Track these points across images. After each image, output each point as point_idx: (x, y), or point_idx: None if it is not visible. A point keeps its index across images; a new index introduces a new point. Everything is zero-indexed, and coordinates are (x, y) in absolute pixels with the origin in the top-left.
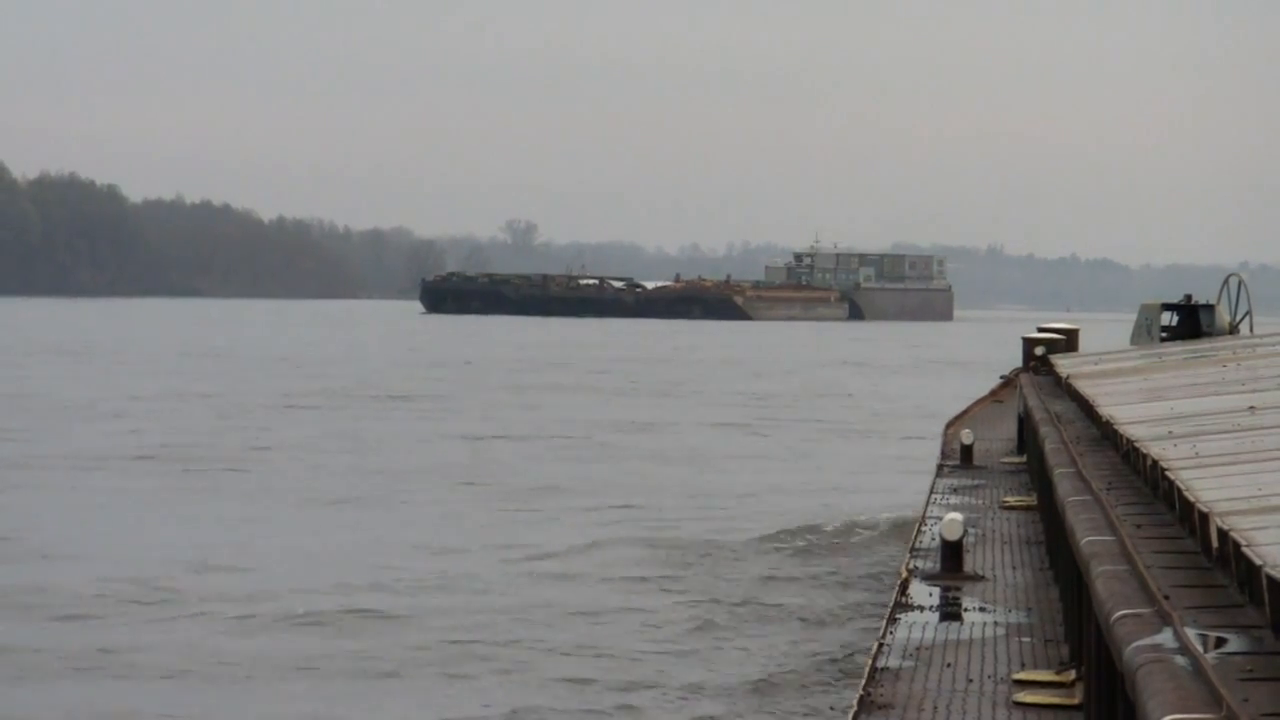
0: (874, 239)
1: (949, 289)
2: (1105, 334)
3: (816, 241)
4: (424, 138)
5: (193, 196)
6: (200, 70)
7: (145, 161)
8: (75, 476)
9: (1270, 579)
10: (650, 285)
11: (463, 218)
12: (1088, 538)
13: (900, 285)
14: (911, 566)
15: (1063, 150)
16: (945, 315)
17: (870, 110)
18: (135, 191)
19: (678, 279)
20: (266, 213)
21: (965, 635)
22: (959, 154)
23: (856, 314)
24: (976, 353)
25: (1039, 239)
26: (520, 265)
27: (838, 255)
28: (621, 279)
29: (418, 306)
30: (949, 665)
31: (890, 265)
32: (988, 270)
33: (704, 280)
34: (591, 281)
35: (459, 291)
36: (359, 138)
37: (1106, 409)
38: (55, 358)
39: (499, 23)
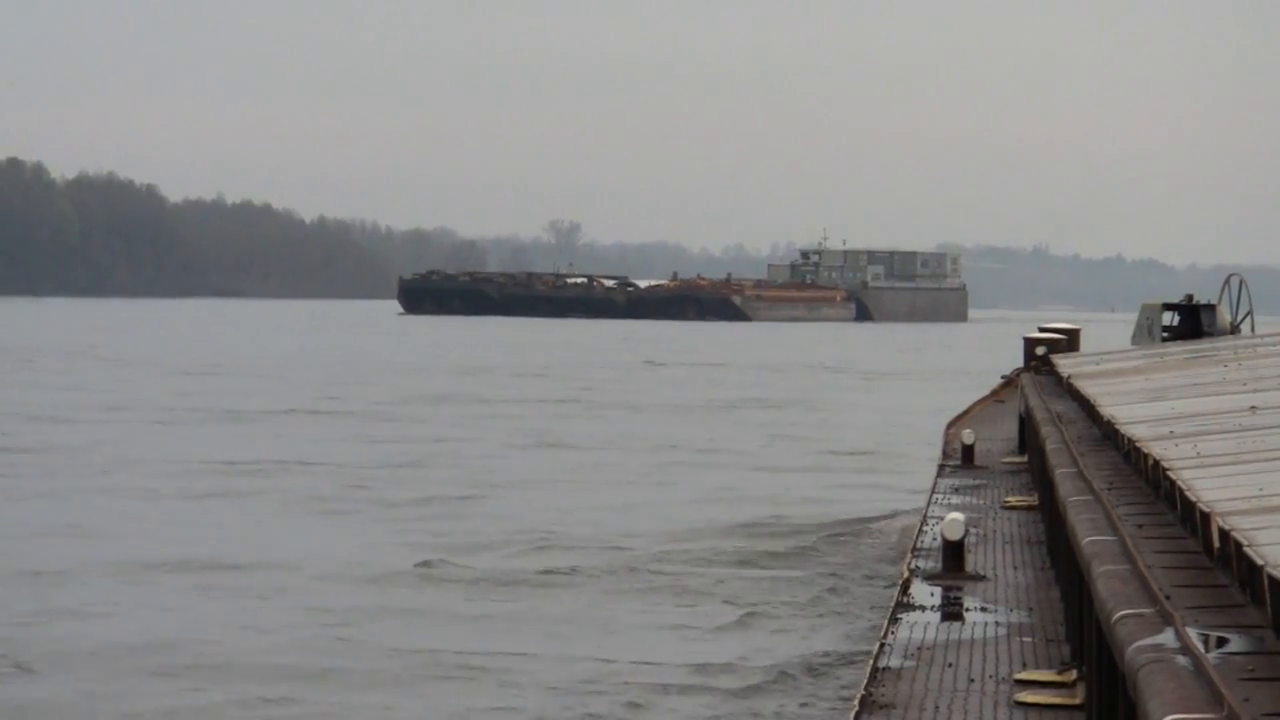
0: (919, 239)
1: (963, 288)
2: (1108, 334)
3: (824, 238)
4: (470, 139)
5: (233, 196)
6: (242, 70)
7: (185, 161)
8: None
9: (1272, 579)
10: (644, 284)
11: (507, 218)
12: (1089, 538)
13: (911, 284)
14: (913, 566)
15: (1110, 151)
16: (959, 316)
17: (916, 111)
18: (175, 191)
19: (674, 277)
20: (308, 213)
21: (967, 635)
22: (1005, 155)
23: (864, 315)
24: (968, 361)
25: (1085, 239)
26: (563, 266)
27: (845, 252)
28: (614, 278)
29: (396, 306)
30: (950, 665)
31: (901, 263)
32: (1033, 271)
33: (701, 279)
34: (580, 280)
35: (439, 291)
36: (403, 138)
37: (1108, 409)
38: None
39: (547, 23)
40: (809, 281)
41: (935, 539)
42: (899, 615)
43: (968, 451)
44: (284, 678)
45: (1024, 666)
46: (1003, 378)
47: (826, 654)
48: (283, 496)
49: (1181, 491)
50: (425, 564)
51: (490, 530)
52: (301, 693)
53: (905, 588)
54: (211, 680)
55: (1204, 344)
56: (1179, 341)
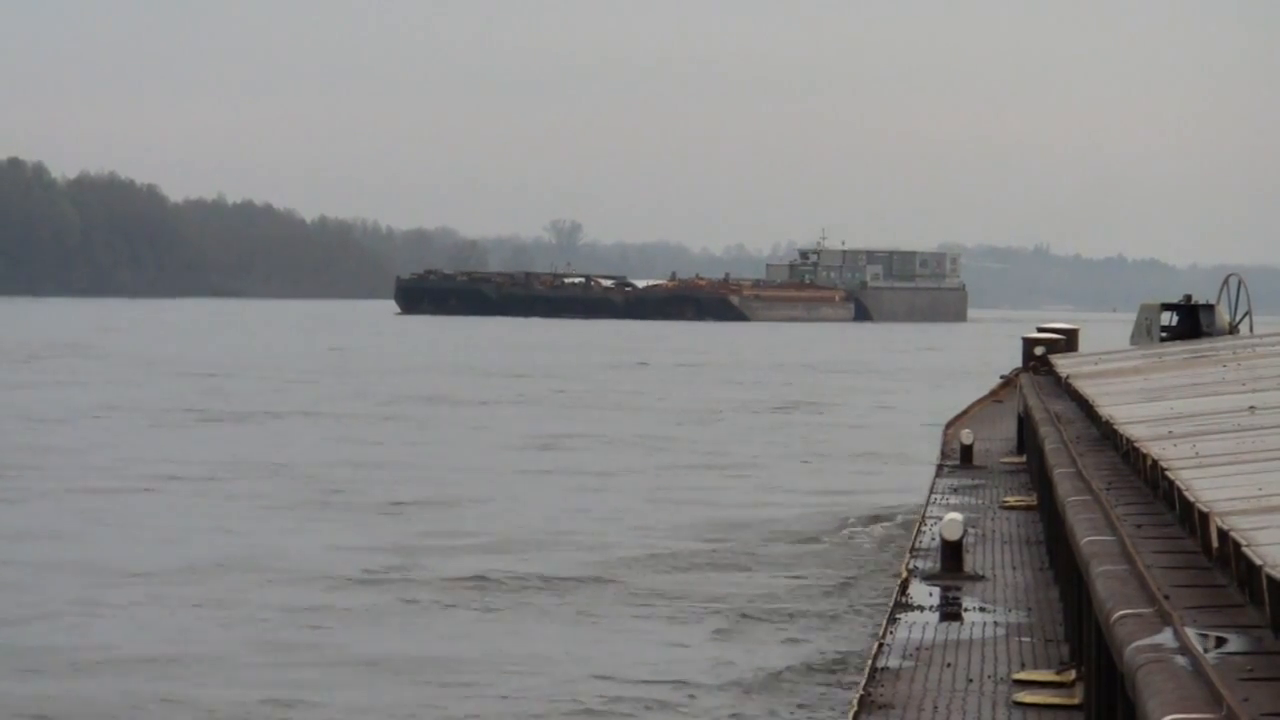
0: (919, 239)
1: (962, 288)
2: (1108, 334)
3: (823, 238)
4: (470, 139)
5: (234, 196)
6: (242, 69)
7: (185, 161)
8: None
9: (1270, 579)
10: (642, 284)
11: (509, 218)
12: (1088, 537)
13: (910, 284)
14: (911, 566)
15: (1110, 151)
16: (958, 316)
17: (916, 111)
18: (176, 191)
19: (673, 277)
20: (309, 213)
21: (965, 635)
22: (1006, 155)
23: (863, 315)
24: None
25: (1085, 239)
26: (563, 266)
27: (844, 252)
28: (612, 277)
29: (394, 306)
30: (949, 665)
31: (900, 263)
32: (1034, 270)
33: (699, 279)
34: (578, 280)
35: (437, 290)
36: (403, 138)
37: (1106, 409)
38: None
39: (546, 23)
40: (808, 281)
41: (934, 539)
42: (897, 615)
43: (966, 451)
44: (263, 680)
45: (1023, 666)
46: (1002, 378)
47: (825, 655)
48: (272, 499)
49: (1180, 491)
50: (415, 568)
51: (485, 532)
52: (279, 695)
53: (904, 588)
54: (193, 683)
55: (1203, 344)
56: (1178, 341)
